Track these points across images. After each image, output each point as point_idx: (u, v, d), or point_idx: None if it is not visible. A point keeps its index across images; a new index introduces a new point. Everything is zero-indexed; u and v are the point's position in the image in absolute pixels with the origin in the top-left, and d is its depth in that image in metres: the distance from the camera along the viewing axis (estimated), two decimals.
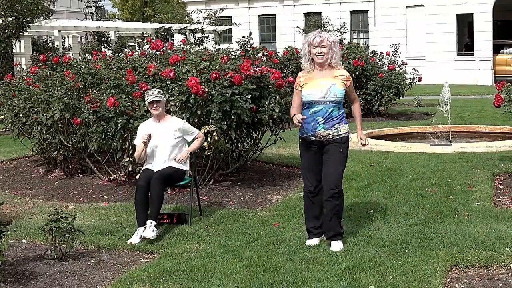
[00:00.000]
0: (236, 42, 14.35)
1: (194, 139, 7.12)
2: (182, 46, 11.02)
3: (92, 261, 5.79)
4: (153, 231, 6.29)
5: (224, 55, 9.14)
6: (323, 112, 5.91)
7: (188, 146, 7.08)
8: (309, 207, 6.16)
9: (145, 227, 6.33)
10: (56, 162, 10.06)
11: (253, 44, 13.78)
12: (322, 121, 5.91)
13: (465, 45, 33.33)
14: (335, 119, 5.94)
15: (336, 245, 5.95)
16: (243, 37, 13.66)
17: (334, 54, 5.97)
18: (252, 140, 9.36)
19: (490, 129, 13.86)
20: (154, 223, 6.36)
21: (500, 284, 5.04)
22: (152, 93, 6.95)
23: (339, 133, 5.96)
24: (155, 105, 6.91)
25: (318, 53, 5.94)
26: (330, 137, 5.95)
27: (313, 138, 5.98)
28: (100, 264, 5.72)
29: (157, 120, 7.00)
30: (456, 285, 5.06)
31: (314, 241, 6.11)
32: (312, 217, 6.16)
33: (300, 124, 5.87)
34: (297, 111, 6.00)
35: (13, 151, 12.23)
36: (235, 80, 8.16)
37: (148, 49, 10.43)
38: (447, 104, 12.62)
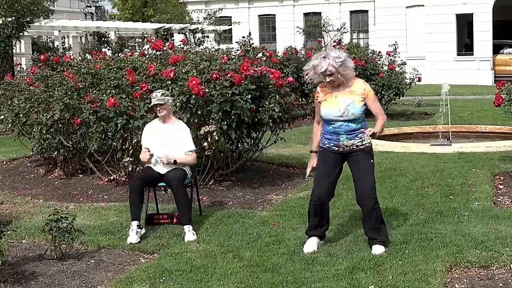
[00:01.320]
0: (236, 42, 14.33)
1: (186, 154, 6.89)
2: (182, 46, 10.99)
3: (92, 261, 5.79)
4: (194, 234, 6.43)
5: (224, 55, 9.14)
6: (344, 127, 5.79)
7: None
8: (315, 216, 6.02)
9: (184, 232, 6.44)
10: (56, 162, 10.06)
11: (253, 44, 13.74)
12: (345, 134, 5.80)
13: (465, 45, 33.33)
14: (358, 131, 5.82)
15: (378, 248, 5.78)
16: (243, 37, 13.63)
17: (345, 73, 5.73)
18: (252, 140, 9.36)
19: (490, 129, 13.87)
20: (191, 227, 6.50)
21: (500, 284, 5.04)
22: (155, 95, 6.90)
23: (363, 142, 5.83)
24: (158, 108, 6.88)
25: (328, 81, 5.75)
26: (354, 147, 5.82)
27: (336, 149, 5.85)
28: (100, 264, 5.73)
29: (163, 121, 6.99)
30: (456, 285, 5.06)
31: (312, 247, 5.94)
32: (315, 226, 6.04)
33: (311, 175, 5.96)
34: (317, 137, 6.00)
35: (13, 151, 12.22)
36: (235, 80, 8.16)
37: (148, 49, 10.42)
38: (446, 104, 12.65)
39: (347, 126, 5.79)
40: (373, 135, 5.78)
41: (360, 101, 5.81)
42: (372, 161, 5.91)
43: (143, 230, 6.52)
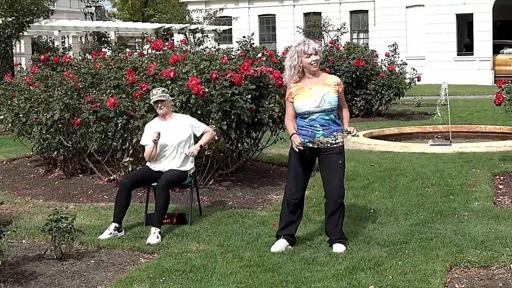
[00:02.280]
0: (236, 41, 14.35)
1: (203, 134, 7.05)
2: (181, 46, 10.99)
3: (92, 261, 5.79)
4: (157, 237, 6.33)
5: (224, 55, 9.14)
6: (320, 119, 5.83)
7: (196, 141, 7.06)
8: (287, 214, 6.04)
9: (150, 233, 6.37)
10: (56, 162, 10.05)
11: (253, 44, 13.74)
12: (321, 129, 5.84)
13: (465, 45, 33.34)
14: (333, 126, 5.88)
15: (339, 247, 5.89)
16: (244, 37, 13.63)
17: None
18: (252, 140, 9.36)
19: (490, 129, 13.87)
20: (158, 230, 6.41)
21: (500, 284, 5.04)
22: (156, 92, 6.94)
23: (337, 141, 5.90)
24: (159, 105, 6.91)
25: (313, 61, 5.83)
26: (328, 145, 5.88)
27: (310, 145, 5.89)
28: (100, 264, 5.73)
29: (163, 119, 7.00)
30: (456, 285, 5.06)
31: (280, 248, 5.94)
32: (287, 224, 6.04)
33: (301, 148, 5.74)
34: (293, 124, 5.92)
35: (13, 151, 12.22)
36: (235, 80, 8.16)
37: (147, 49, 10.41)
38: (446, 104, 12.65)
39: (323, 119, 5.83)
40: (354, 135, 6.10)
41: (335, 92, 5.90)
42: (343, 159, 5.98)
43: (122, 234, 6.55)
